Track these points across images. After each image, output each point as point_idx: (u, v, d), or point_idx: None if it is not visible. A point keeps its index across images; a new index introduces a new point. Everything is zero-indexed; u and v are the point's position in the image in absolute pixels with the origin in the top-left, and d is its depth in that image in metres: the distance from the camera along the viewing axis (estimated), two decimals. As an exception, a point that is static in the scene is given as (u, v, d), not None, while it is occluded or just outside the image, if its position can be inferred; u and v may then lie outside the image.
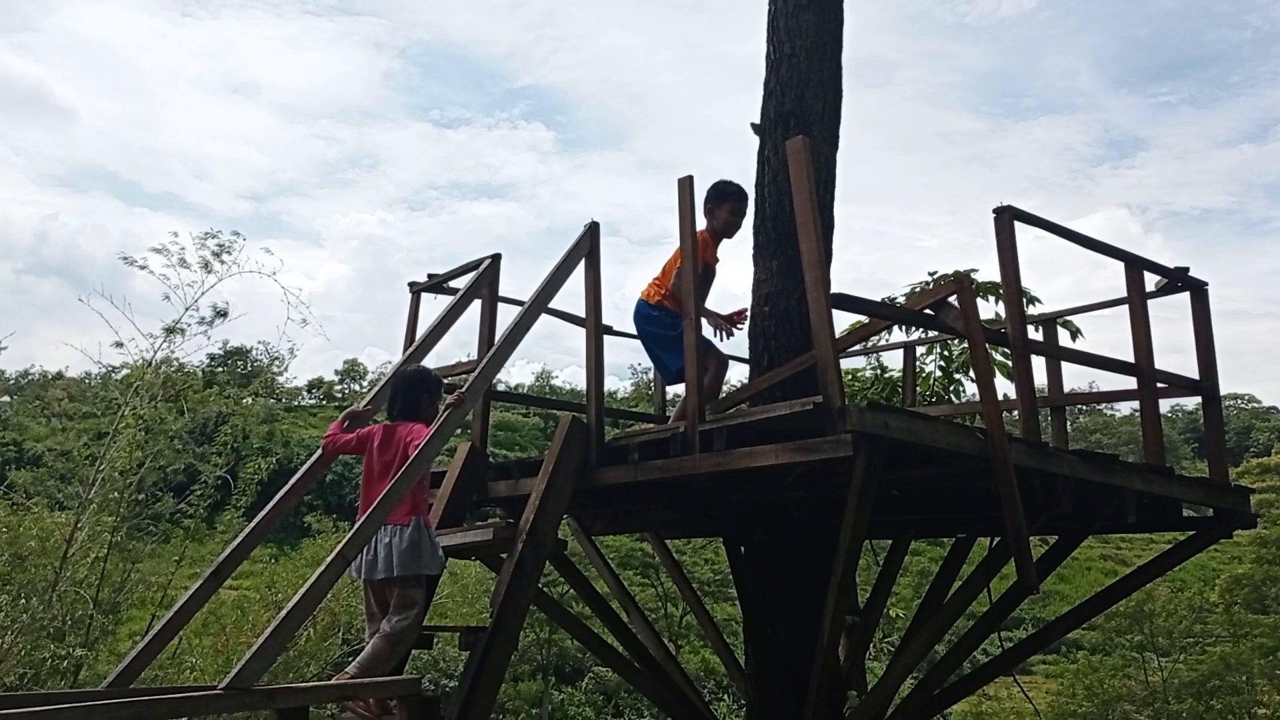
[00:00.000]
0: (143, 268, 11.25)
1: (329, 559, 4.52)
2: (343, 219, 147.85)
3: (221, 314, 11.79)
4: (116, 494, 10.51)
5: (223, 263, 11.20)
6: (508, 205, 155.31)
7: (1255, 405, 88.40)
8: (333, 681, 4.66)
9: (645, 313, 6.18)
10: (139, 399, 10.82)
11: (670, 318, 5.97)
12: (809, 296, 4.46)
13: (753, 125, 6.35)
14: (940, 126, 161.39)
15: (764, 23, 6.79)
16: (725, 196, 6.14)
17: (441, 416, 4.81)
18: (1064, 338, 8.05)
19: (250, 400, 12.84)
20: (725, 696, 29.72)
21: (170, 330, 11.15)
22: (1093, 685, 25.37)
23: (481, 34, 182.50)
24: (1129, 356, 5.84)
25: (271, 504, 4.84)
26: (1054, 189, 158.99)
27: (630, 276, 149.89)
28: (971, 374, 8.60)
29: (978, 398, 5.61)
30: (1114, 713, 24.98)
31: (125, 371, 11.77)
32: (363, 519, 4.37)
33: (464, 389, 4.99)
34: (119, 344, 10.88)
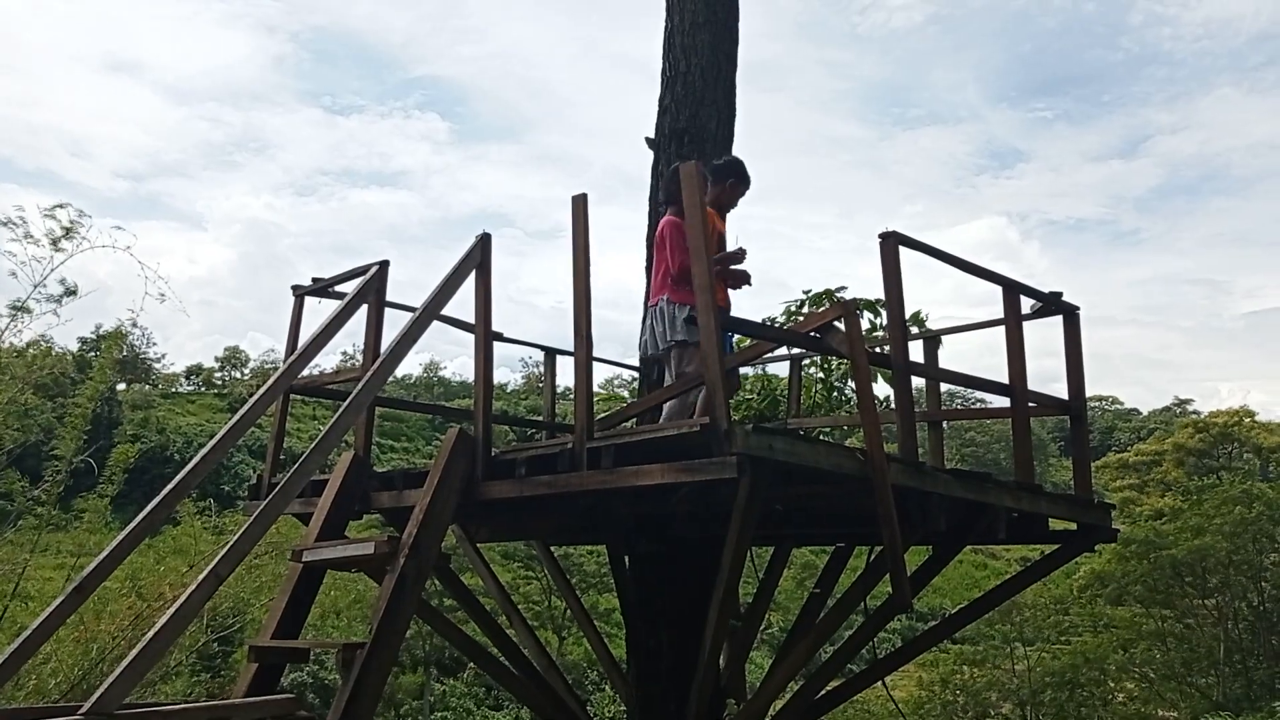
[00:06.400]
0: None
1: (200, 577, 4.39)
2: (227, 202, 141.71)
3: (70, 292, 11.24)
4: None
5: (71, 239, 10.70)
6: (400, 194, 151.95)
7: (1118, 407, 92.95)
8: (204, 703, 4.53)
9: None
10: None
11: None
12: (699, 320, 4.49)
13: (647, 140, 6.36)
14: (832, 132, 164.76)
15: (663, 22, 6.79)
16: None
17: None
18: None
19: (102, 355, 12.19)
20: (606, 686, 29.85)
21: (17, 309, 10.65)
22: (948, 677, 26.28)
23: (380, 22, 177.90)
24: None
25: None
26: (939, 195, 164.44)
27: (525, 268, 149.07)
28: (852, 384, 8.78)
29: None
30: (980, 702, 25.90)
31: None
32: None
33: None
34: None
